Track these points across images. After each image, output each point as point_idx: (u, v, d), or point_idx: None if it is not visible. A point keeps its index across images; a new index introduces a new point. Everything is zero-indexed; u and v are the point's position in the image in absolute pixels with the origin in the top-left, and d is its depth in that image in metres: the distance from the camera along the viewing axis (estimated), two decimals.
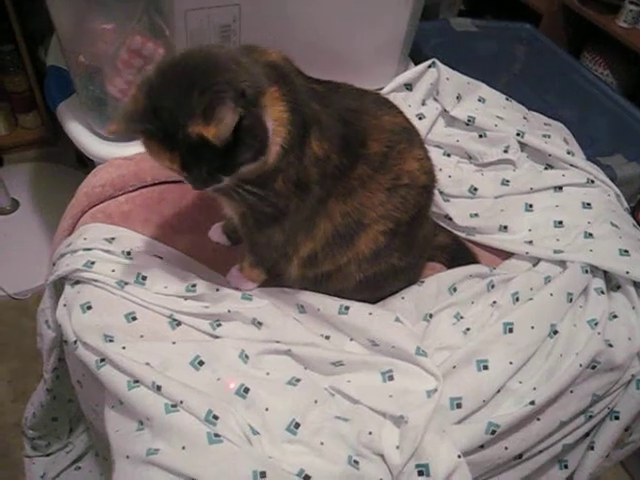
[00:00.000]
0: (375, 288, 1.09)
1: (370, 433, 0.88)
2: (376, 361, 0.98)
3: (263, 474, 0.81)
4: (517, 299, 1.06)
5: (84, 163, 2.03)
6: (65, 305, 0.99)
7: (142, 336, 0.97)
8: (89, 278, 1.00)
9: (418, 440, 0.86)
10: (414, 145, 1.02)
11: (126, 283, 1.01)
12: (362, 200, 0.98)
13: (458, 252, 1.22)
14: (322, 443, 0.87)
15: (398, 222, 1.00)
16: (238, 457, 0.83)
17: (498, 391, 0.96)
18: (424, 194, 1.04)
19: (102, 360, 0.90)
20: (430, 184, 1.06)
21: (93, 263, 1.01)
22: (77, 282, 1.01)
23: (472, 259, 1.21)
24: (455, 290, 1.12)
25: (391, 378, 0.96)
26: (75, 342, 0.93)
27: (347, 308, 1.03)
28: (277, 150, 0.87)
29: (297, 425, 0.89)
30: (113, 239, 1.07)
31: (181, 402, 0.86)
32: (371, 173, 0.97)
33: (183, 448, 0.83)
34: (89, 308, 0.97)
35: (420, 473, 0.85)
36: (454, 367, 0.96)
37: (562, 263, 1.11)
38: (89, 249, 1.05)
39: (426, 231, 1.11)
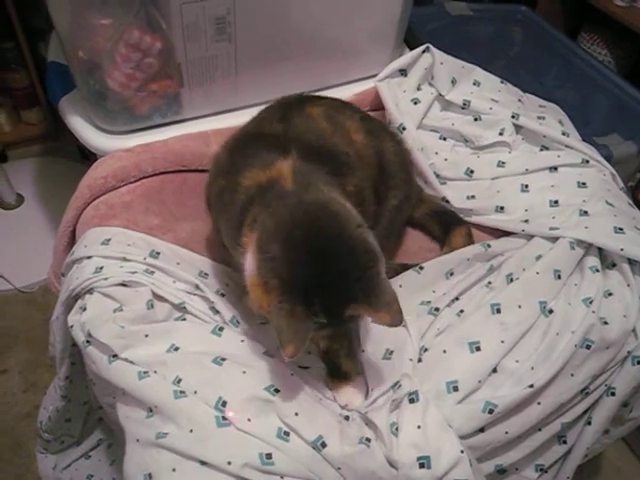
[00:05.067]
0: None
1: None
2: None
3: (269, 456, 0.84)
4: (511, 280, 1.08)
5: (87, 157, 2.04)
6: (81, 307, 1.01)
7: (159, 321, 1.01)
8: (102, 291, 1.02)
9: (385, 437, 0.88)
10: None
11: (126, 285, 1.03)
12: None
13: (446, 215, 1.26)
14: (340, 421, 0.91)
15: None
16: (245, 440, 0.85)
17: (495, 371, 0.97)
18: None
19: (114, 356, 0.93)
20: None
21: (106, 279, 1.02)
22: (90, 290, 1.02)
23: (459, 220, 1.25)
24: (452, 274, 1.13)
25: None
26: (88, 341, 0.96)
27: None
28: None
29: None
30: (109, 240, 1.10)
31: (195, 392, 0.89)
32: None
33: (191, 431, 0.85)
34: (104, 309, 0.99)
35: (421, 465, 0.86)
36: (444, 351, 0.99)
37: (556, 240, 1.12)
38: (90, 257, 1.07)
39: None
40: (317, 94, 1.22)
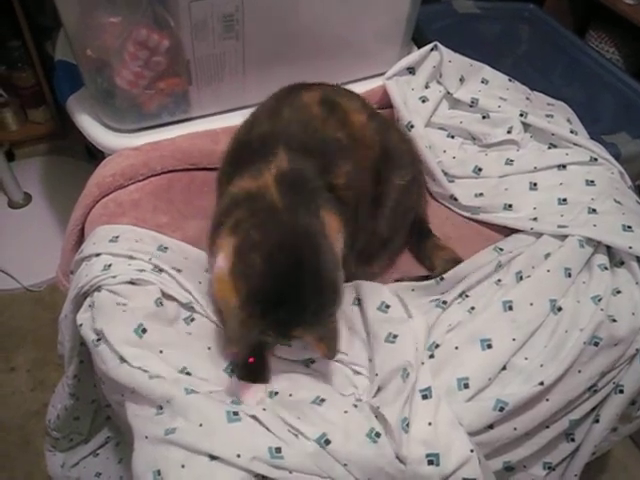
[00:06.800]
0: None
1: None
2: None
3: (278, 450, 0.83)
4: (521, 278, 1.07)
5: (94, 156, 2.05)
6: (90, 306, 1.01)
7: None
8: (110, 289, 1.02)
9: (395, 433, 0.87)
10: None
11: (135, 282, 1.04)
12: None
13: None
14: (346, 411, 0.90)
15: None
16: (255, 433, 0.85)
17: (504, 368, 0.97)
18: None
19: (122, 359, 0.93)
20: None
21: (114, 277, 1.02)
22: (99, 288, 1.02)
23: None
24: (465, 277, 1.12)
25: None
26: (98, 340, 0.96)
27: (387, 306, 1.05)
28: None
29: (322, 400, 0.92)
30: (117, 237, 1.10)
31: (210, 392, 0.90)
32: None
33: (200, 425, 0.85)
34: (113, 307, 0.99)
35: (430, 462, 0.86)
36: (456, 348, 0.99)
37: (564, 238, 1.12)
38: (99, 254, 1.07)
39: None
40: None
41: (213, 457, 0.83)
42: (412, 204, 1.20)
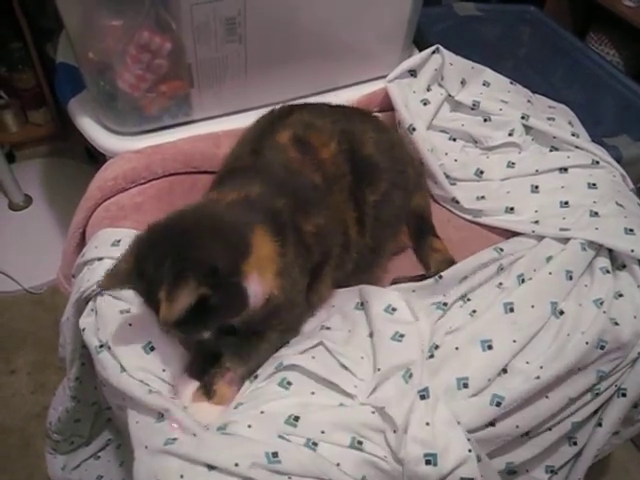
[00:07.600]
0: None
1: (373, 412, 0.90)
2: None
3: (275, 454, 0.83)
4: (522, 280, 1.08)
5: (94, 158, 2.05)
6: (92, 310, 1.01)
7: None
8: (112, 294, 1.01)
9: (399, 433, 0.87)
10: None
11: None
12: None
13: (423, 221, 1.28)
14: (323, 432, 0.88)
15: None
16: (250, 440, 0.85)
17: (505, 371, 0.97)
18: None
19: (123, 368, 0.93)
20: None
21: None
22: (101, 292, 1.02)
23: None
24: (465, 278, 1.12)
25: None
26: (101, 347, 0.96)
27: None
28: (272, 286, 0.91)
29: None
30: (119, 241, 1.10)
31: None
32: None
33: (194, 435, 0.85)
34: (119, 315, 0.99)
35: (427, 462, 0.86)
36: (456, 348, 0.98)
37: (566, 241, 1.12)
38: (101, 258, 1.07)
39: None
40: (295, 102, 1.23)
41: (212, 467, 0.82)
42: (395, 211, 1.18)
